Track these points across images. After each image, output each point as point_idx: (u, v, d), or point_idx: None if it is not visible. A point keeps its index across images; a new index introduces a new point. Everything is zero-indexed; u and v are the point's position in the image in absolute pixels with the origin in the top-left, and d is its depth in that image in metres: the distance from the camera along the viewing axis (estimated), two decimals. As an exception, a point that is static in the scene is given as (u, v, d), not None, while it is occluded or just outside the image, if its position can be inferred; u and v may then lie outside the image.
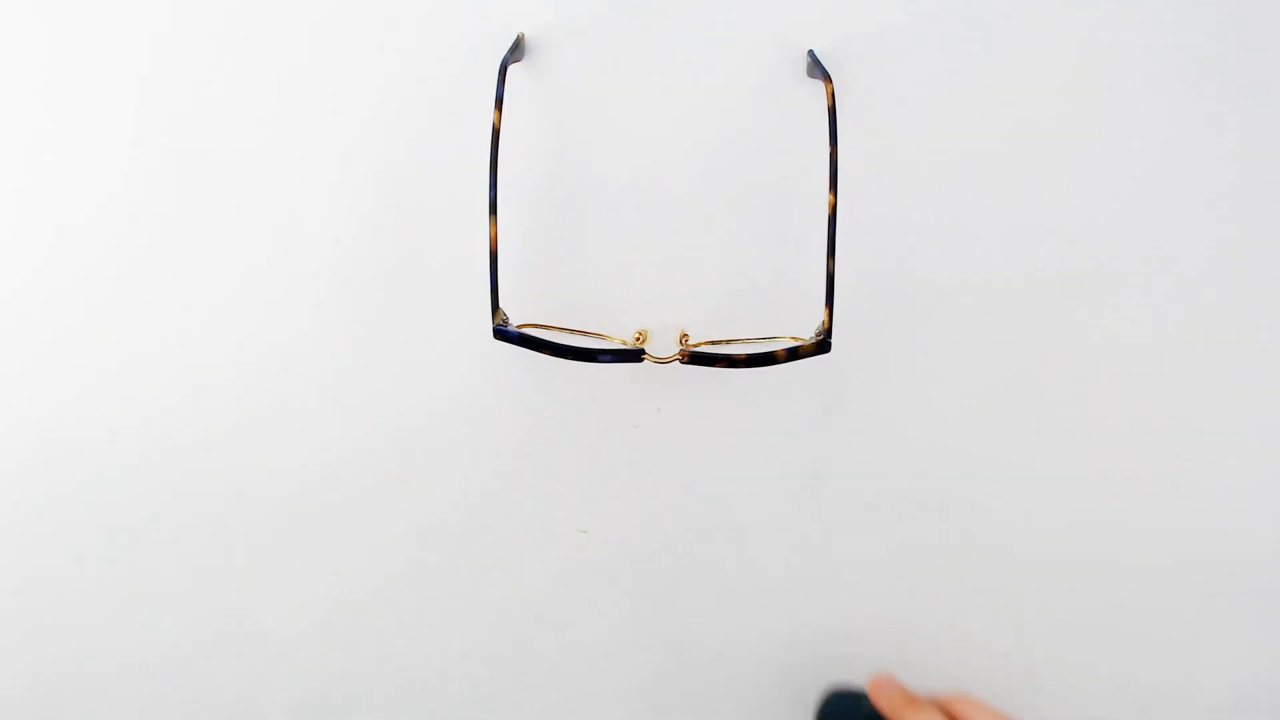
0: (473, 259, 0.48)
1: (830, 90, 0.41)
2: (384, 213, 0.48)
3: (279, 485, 0.46)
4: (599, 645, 0.48)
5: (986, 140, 0.48)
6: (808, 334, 0.46)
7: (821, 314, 0.44)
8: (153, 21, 0.49)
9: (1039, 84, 0.48)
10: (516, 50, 0.44)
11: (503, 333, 0.41)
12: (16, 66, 0.49)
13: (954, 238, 0.48)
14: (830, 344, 0.40)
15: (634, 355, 0.39)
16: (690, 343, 0.43)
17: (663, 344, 0.46)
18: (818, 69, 0.44)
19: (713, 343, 0.43)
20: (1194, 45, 0.48)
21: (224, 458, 0.47)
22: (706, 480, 0.48)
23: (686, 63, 0.48)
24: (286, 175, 0.49)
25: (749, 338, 0.43)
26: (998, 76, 0.48)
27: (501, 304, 0.47)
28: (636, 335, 0.41)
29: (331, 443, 0.48)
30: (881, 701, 0.45)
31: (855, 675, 0.48)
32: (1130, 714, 0.51)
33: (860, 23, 0.48)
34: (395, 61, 0.49)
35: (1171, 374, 0.47)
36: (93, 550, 0.48)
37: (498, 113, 0.40)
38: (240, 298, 0.48)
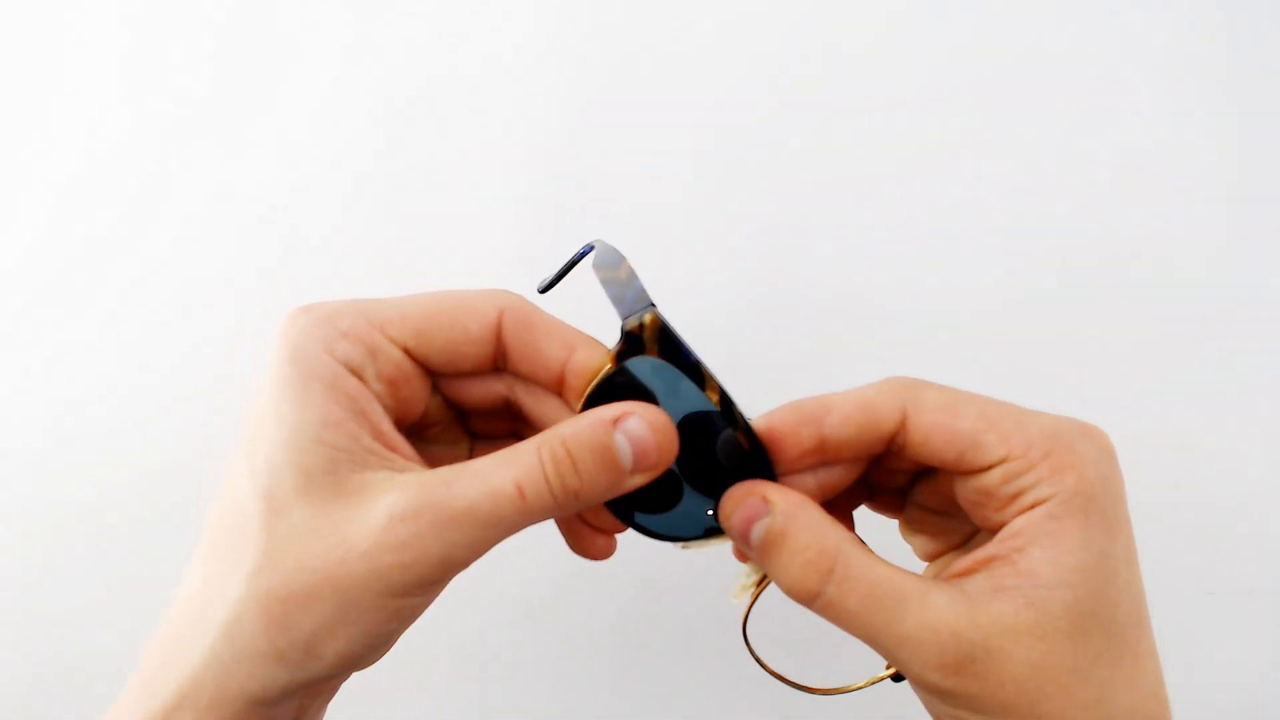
0: (467, 265, 0.48)
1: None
2: (378, 218, 0.48)
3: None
4: (597, 640, 0.48)
5: (985, 143, 0.48)
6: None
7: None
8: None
9: (1037, 84, 0.48)
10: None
11: None
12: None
13: (952, 241, 0.48)
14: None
15: None
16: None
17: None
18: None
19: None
20: (1193, 45, 0.48)
21: (225, 455, 0.47)
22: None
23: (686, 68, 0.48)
24: (278, 175, 0.49)
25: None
26: (996, 77, 0.48)
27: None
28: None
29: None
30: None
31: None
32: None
33: (857, 24, 0.48)
34: (393, 68, 0.49)
35: (1171, 373, 0.47)
36: (92, 548, 0.48)
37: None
38: (234, 299, 0.48)
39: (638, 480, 0.26)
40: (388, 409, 0.27)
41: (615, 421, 0.25)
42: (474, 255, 0.48)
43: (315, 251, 0.48)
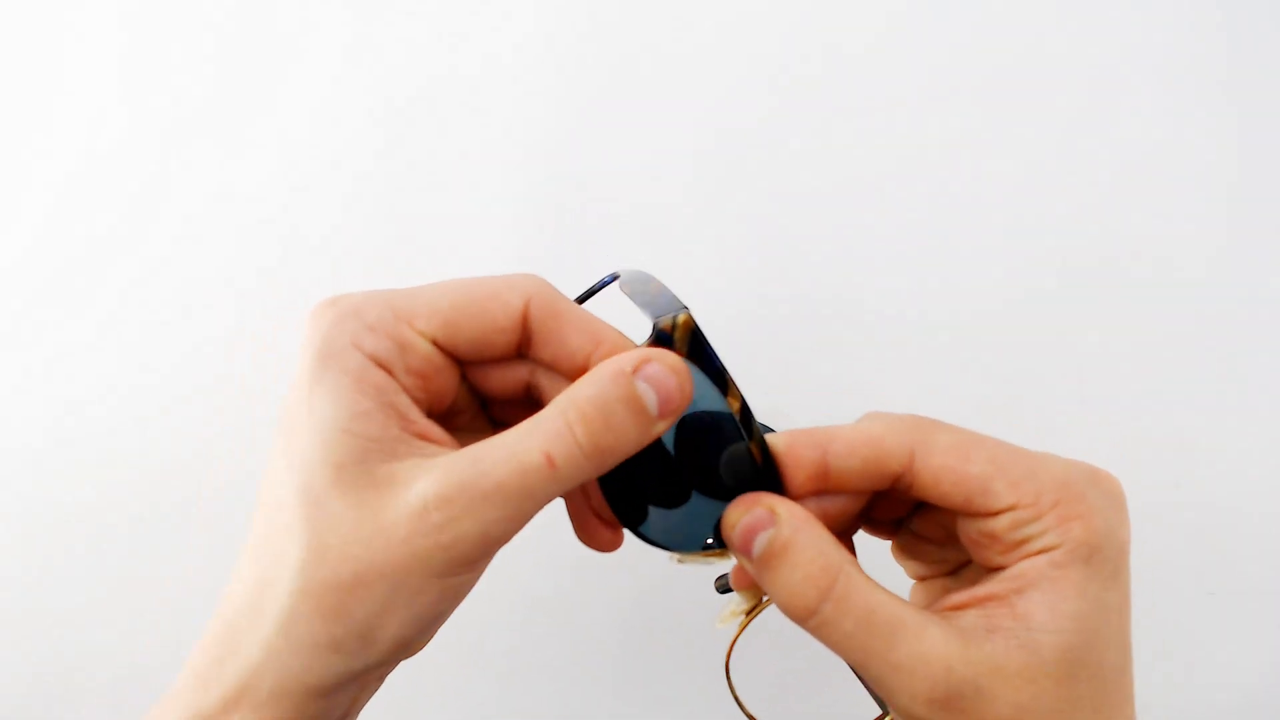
0: (467, 265, 0.48)
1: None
2: (378, 218, 0.48)
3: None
4: (601, 640, 0.48)
5: (985, 143, 0.48)
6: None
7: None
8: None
9: (1037, 85, 0.48)
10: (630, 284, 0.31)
11: None
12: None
13: (952, 241, 0.48)
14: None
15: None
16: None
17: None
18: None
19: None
20: (1193, 45, 0.48)
21: (224, 454, 0.47)
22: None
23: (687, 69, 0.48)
24: (278, 175, 0.49)
25: None
26: (996, 78, 0.48)
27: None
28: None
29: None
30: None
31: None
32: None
33: (857, 24, 0.48)
34: (392, 68, 0.49)
35: (1171, 372, 0.47)
36: (92, 548, 0.48)
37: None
38: (234, 299, 0.48)
39: (661, 427, 0.25)
40: (418, 401, 0.27)
41: (635, 370, 0.25)
42: (474, 255, 0.48)
43: (315, 252, 0.48)
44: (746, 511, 0.26)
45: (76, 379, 0.48)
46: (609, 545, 0.29)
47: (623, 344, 0.27)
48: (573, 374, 0.27)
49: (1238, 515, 0.47)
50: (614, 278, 0.28)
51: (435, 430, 0.26)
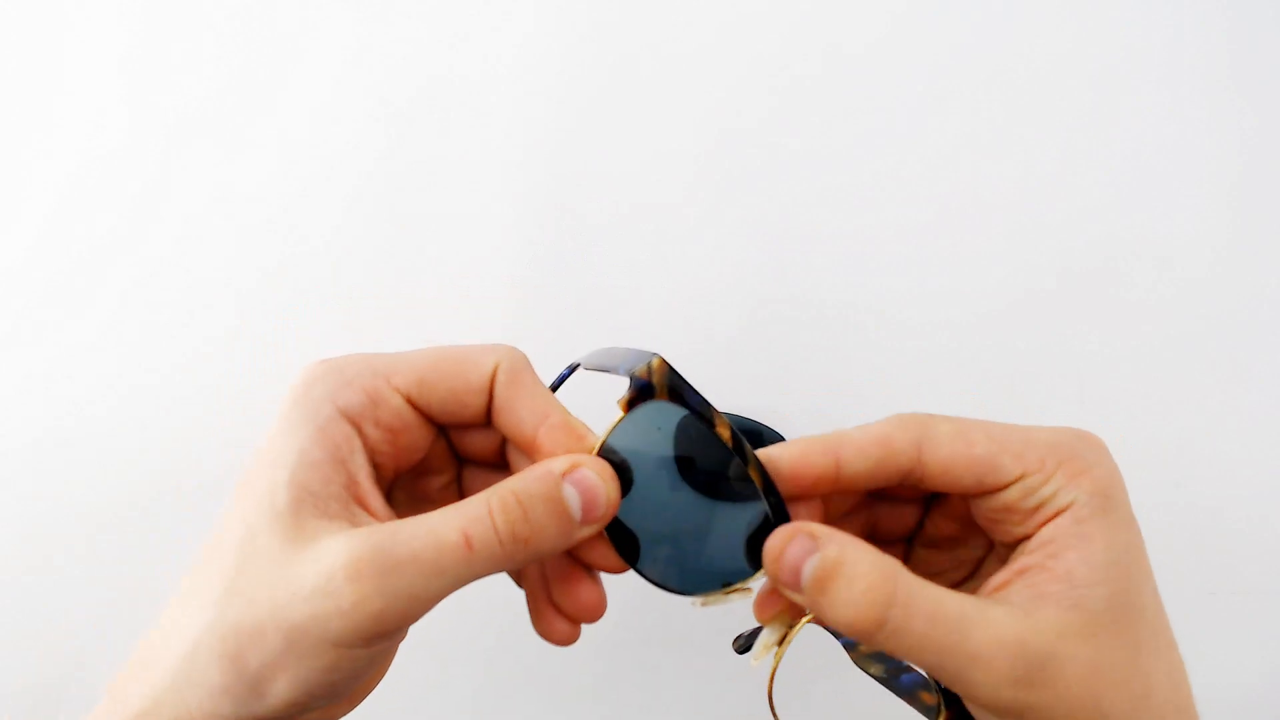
0: (467, 265, 0.48)
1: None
2: (378, 218, 0.48)
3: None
4: (598, 637, 0.48)
5: (985, 144, 0.48)
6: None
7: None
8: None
9: (1038, 85, 0.48)
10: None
11: None
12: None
13: (952, 242, 0.48)
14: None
15: None
16: None
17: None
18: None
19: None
20: (1195, 46, 0.48)
21: (224, 454, 0.47)
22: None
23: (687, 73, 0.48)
24: (279, 175, 0.49)
25: None
26: (997, 79, 0.48)
27: (503, 311, 0.47)
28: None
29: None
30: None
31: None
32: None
33: (857, 25, 0.48)
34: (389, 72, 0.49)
35: (1172, 373, 0.47)
36: (92, 548, 0.48)
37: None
38: (234, 300, 0.48)
39: (585, 533, 0.26)
40: (384, 456, 0.27)
41: (564, 474, 0.26)
42: (474, 255, 0.48)
43: (316, 252, 0.48)
44: (787, 542, 0.25)
45: (77, 379, 0.48)
46: (565, 638, 0.29)
47: (569, 423, 0.27)
48: (522, 446, 0.28)
49: (1238, 515, 0.47)
50: (574, 368, 0.29)
51: (376, 501, 0.26)
